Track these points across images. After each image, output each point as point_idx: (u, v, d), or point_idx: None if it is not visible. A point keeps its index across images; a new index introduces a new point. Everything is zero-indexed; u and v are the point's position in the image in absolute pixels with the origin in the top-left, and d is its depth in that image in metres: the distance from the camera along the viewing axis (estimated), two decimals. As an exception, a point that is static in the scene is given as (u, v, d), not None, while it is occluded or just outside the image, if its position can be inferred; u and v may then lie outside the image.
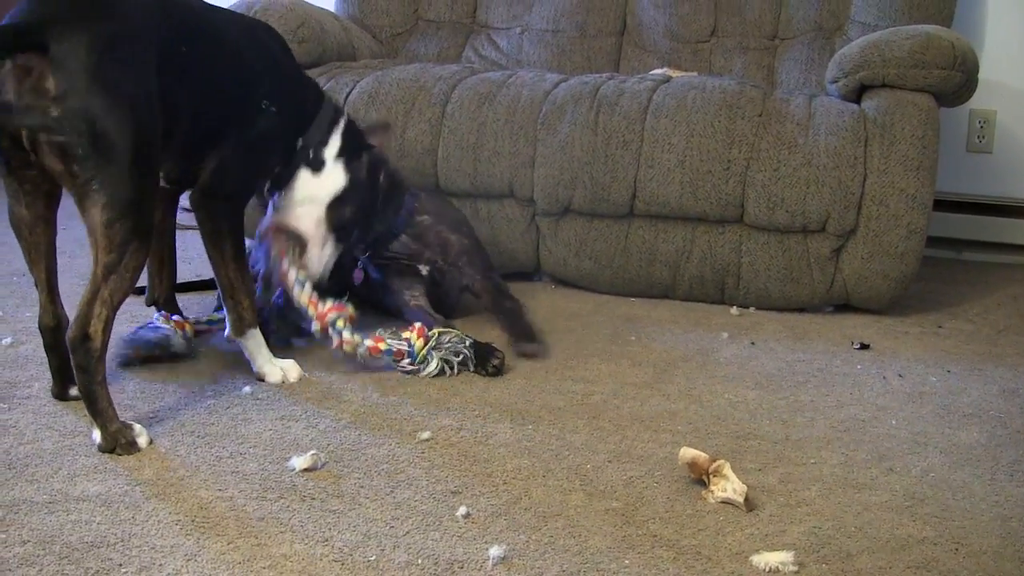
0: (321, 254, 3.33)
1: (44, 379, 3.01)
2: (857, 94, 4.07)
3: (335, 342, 3.17)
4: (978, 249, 5.19)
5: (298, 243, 3.26)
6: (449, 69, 4.50)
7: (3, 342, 3.38)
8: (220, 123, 3.01)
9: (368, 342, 3.18)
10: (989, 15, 5.13)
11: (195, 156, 3.02)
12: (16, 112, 2.48)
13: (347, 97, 4.32)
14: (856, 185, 3.88)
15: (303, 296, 3.20)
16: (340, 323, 3.17)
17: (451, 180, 4.24)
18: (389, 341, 3.21)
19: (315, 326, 3.19)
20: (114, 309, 2.62)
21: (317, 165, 3.30)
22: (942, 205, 4.97)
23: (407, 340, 3.22)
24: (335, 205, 3.33)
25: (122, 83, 2.54)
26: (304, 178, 3.28)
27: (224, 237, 3.10)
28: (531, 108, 4.19)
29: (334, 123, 3.35)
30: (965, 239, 5.19)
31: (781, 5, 4.95)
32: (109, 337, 2.63)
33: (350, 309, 3.24)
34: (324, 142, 3.31)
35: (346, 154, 3.35)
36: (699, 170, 3.96)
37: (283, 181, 3.29)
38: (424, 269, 3.66)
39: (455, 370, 3.21)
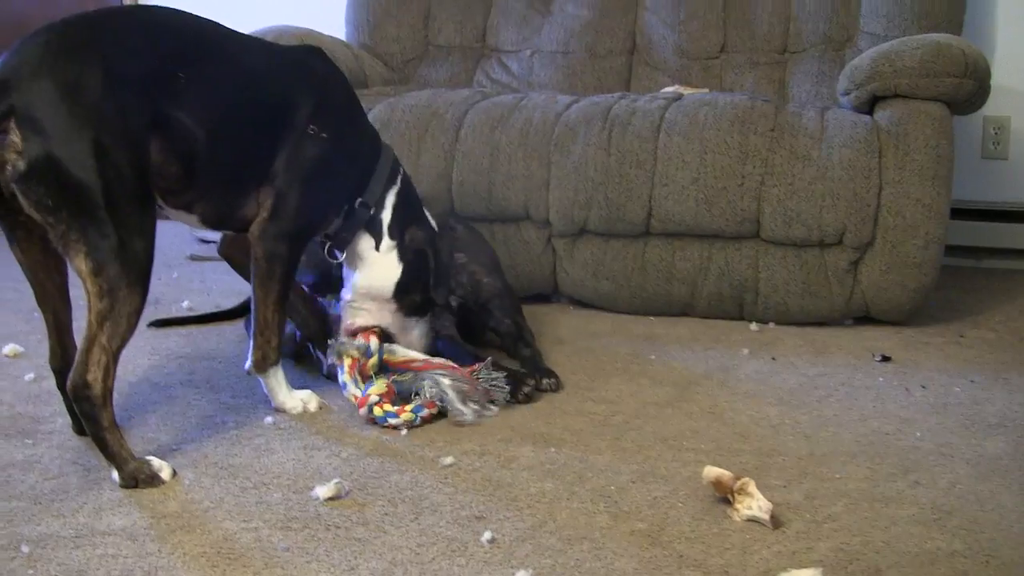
0: (412, 336, 3.34)
1: (67, 414, 3.01)
2: (869, 105, 4.06)
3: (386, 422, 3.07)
4: (997, 256, 5.17)
5: (384, 337, 3.28)
6: (461, 94, 4.50)
7: (26, 378, 3.39)
8: (255, 153, 2.97)
9: (423, 412, 3.07)
10: (999, 21, 5.12)
11: (235, 192, 2.98)
12: None
13: (360, 124, 4.33)
14: (872, 196, 3.87)
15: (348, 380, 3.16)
16: (378, 410, 3.05)
17: (466, 204, 4.24)
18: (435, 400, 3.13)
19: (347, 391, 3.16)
20: (114, 355, 2.59)
21: (376, 234, 3.24)
22: (959, 213, 4.94)
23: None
24: (399, 292, 3.27)
25: (86, 129, 2.51)
26: (368, 254, 3.26)
27: (274, 281, 3.05)
28: (544, 130, 4.19)
29: (391, 182, 3.28)
30: (984, 246, 5.17)
31: (790, 19, 4.94)
32: (112, 384, 2.61)
33: (383, 384, 3.12)
34: (381, 205, 3.25)
35: (396, 231, 3.26)
36: (714, 187, 3.96)
37: (343, 242, 3.25)
38: (454, 301, 3.64)
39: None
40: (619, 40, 5.18)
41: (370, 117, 4.28)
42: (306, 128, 3.02)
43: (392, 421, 3.02)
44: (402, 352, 3.24)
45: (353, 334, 3.26)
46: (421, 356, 3.23)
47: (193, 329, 3.99)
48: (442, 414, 3.08)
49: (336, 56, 4.78)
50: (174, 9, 2.92)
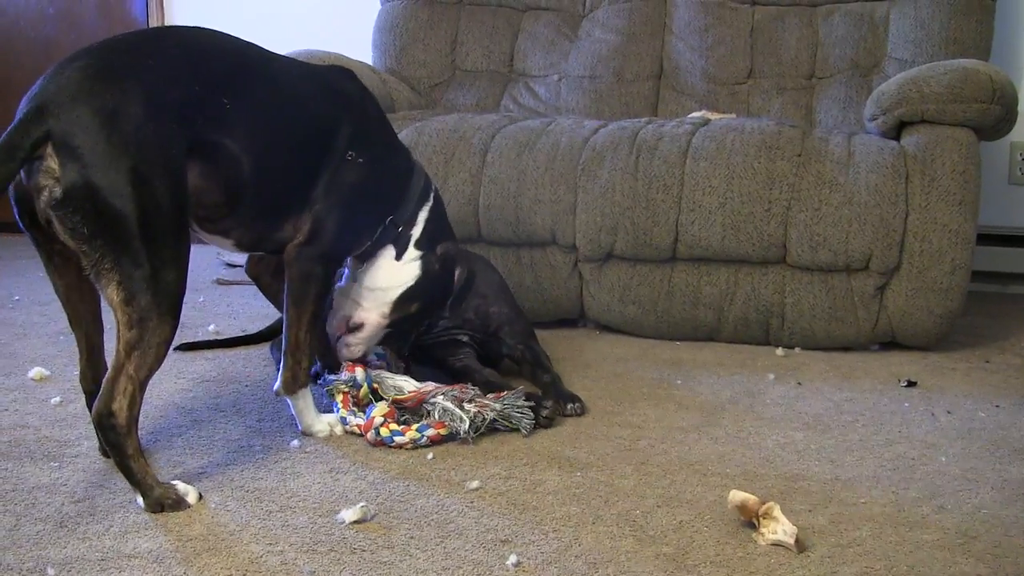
0: (369, 339, 3.29)
1: (93, 437, 3.02)
2: (896, 131, 4.07)
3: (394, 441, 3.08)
4: (1023, 282, 5.15)
5: (356, 327, 3.28)
6: (488, 118, 4.52)
7: (52, 401, 3.40)
8: (297, 179, 2.96)
9: (429, 431, 3.07)
10: (1027, 48, 5.12)
11: (273, 217, 2.96)
12: (32, 194, 2.50)
13: (387, 149, 4.34)
14: (898, 222, 3.87)
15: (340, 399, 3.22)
16: (384, 430, 3.07)
17: (493, 229, 4.25)
18: (445, 421, 3.13)
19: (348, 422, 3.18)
20: (141, 384, 2.58)
21: (401, 248, 3.24)
22: (986, 239, 4.93)
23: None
24: (402, 300, 3.25)
25: (124, 157, 2.48)
26: (385, 260, 3.25)
27: (308, 301, 3.05)
28: (571, 155, 4.20)
29: (423, 200, 3.28)
30: (1010, 272, 5.17)
31: (817, 45, 4.95)
32: (138, 413, 2.60)
33: (385, 406, 3.14)
34: (412, 222, 3.25)
35: (425, 244, 3.26)
36: (740, 212, 3.97)
37: (367, 255, 3.25)
38: (464, 338, 3.65)
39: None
40: (646, 65, 5.19)
41: (397, 142, 4.31)
42: (345, 154, 3.02)
43: (398, 440, 3.04)
44: (399, 383, 3.25)
45: (339, 335, 3.28)
46: (430, 385, 3.21)
47: (219, 353, 4.01)
48: (452, 436, 3.09)
49: (363, 80, 4.80)
50: (213, 31, 2.89)
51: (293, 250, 3.02)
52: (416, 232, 3.25)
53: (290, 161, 2.93)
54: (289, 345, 3.09)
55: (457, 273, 3.31)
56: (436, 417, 3.09)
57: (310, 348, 3.13)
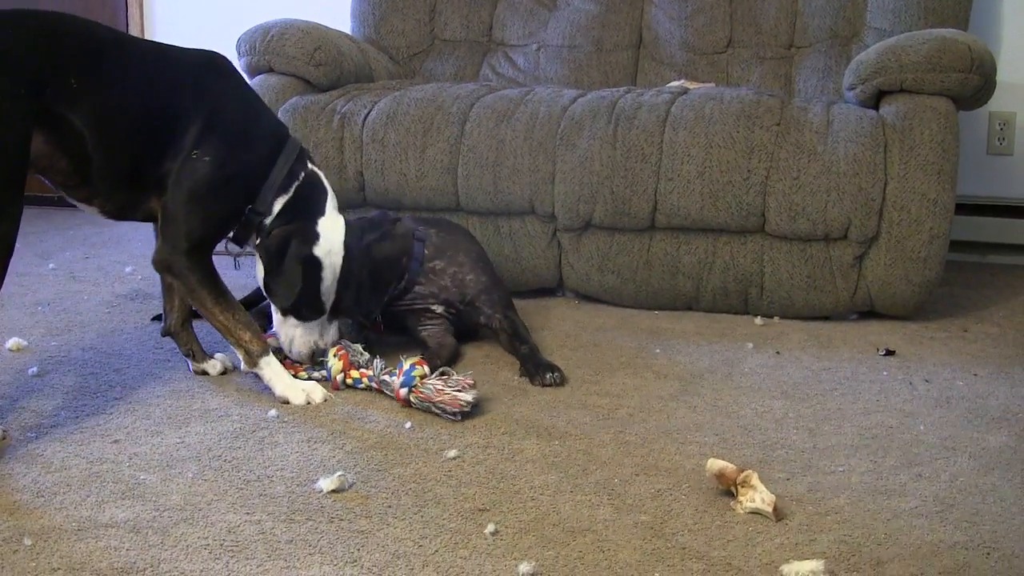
0: (288, 333, 3.32)
1: (71, 408, 3.03)
2: (875, 100, 4.06)
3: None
4: (1002, 252, 5.17)
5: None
6: (466, 88, 4.50)
7: (29, 372, 3.38)
8: (143, 163, 3.05)
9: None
10: (1005, 17, 5.12)
11: (129, 192, 3.08)
12: None
13: (365, 118, 4.32)
14: (877, 191, 3.87)
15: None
16: (348, 379, 3.28)
17: (471, 198, 4.24)
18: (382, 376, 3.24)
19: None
20: None
21: (263, 237, 3.25)
22: (964, 208, 4.94)
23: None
24: (268, 291, 3.29)
25: None
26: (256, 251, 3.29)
27: (198, 289, 3.14)
28: (549, 124, 4.18)
29: (282, 190, 3.25)
30: (988, 242, 5.17)
31: (796, 14, 4.94)
32: None
33: (338, 364, 3.30)
34: (269, 212, 3.24)
35: (272, 233, 3.24)
36: (719, 181, 3.96)
37: (240, 240, 3.31)
38: (439, 308, 3.64)
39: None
40: (625, 35, 5.17)
41: (376, 112, 4.30)
42: (191, 152, 3.09)
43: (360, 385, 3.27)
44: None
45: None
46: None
47: (197, 323, 3.99)
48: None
49: (342, 49, 4.78)
50: (84, 19, 3.04)
51: (156, 255, 3.16)
52: (269, 221, 3.25)
53: (134, 144, 3.04)
54: (220, 331, 3.22)
55: (298, 251, 3.23)
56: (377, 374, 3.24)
57: (241, 321, 3.20)
